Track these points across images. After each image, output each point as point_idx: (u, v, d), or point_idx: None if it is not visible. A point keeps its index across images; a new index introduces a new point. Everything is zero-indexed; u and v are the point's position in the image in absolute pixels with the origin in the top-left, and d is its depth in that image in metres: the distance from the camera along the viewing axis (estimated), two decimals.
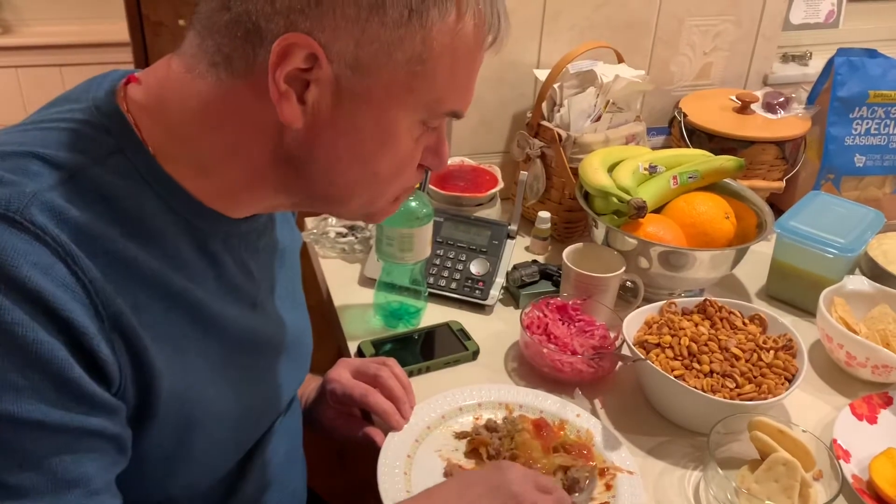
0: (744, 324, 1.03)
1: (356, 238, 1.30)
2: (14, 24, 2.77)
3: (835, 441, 0.93)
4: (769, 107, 1.45)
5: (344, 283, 1.24)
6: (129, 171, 0.60)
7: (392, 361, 0.95)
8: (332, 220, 1.34)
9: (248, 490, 0.80)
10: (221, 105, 0.60)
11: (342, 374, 0.93)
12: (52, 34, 2.73)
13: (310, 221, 1.34)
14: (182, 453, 0.67)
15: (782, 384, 0.95)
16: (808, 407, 1.03)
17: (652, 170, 1.23)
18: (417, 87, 0.61)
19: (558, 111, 1.32)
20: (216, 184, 0.64)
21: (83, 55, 2.70)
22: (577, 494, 0.84)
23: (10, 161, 0.56)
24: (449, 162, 1.38)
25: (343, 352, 1.12)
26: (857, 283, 1.14)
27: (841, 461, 0.89)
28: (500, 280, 1.19)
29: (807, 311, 1.20)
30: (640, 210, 1.14)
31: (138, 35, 1.42)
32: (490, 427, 0.92)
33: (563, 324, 1.08)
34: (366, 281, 1.23)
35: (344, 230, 1.31)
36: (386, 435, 0.90)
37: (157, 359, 0.60)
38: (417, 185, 1.06)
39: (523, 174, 1.28)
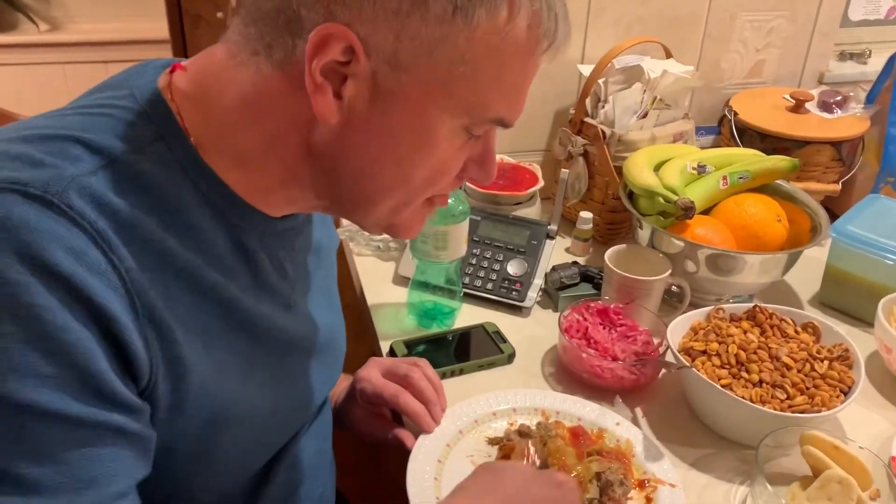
0: (796, 332, 0.98)
1: (400, 239, 1.28)
2: (63, 21, 2.83)
3: (893, 459, 0.88)
4: (825, 106, 1.39)
5: (378, 281, 1.22)
6: (169, 160, 0.59)
7: (423, 362, 0.92)
8: None
9: (275, 492, 0.78)
10: (260, 96, 0.59)
11: (372, 373, 0.91)
12: (98, 31, 2.78)
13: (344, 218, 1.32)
14: (210, 453, 0.65)
15: (837, 397, 0.90)
16: (864, 422, 0.97)
17: (700, 169, 1.19)
18: (458, 90, 0.58)
19: (603, 108, 1.28)
20: (253, 178, 0.63)
21: (127, 52, 2.74)
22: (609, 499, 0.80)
23: (51, 144, 0.55)
24: None
25: (376, 351, 1.10)
26: None
27: None
28: (538, 281, 1.15)
29: (863, 320, 1.15)
30: (688, 211, 1.10)
31: (178, 29, 1.42)
32: (523, 432, 0.88)
33: (603, 328, 1.04)
34: (400, 279, 1.20)
35: None
36: (416, 437, 0.87)
37: (190, 353, 0.58)
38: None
39: (564, 172, 1.24)
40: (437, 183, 0.65)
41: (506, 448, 0.86)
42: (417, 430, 0.88)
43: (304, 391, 0.78)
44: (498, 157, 1.35)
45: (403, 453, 0.86)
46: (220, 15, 1.23)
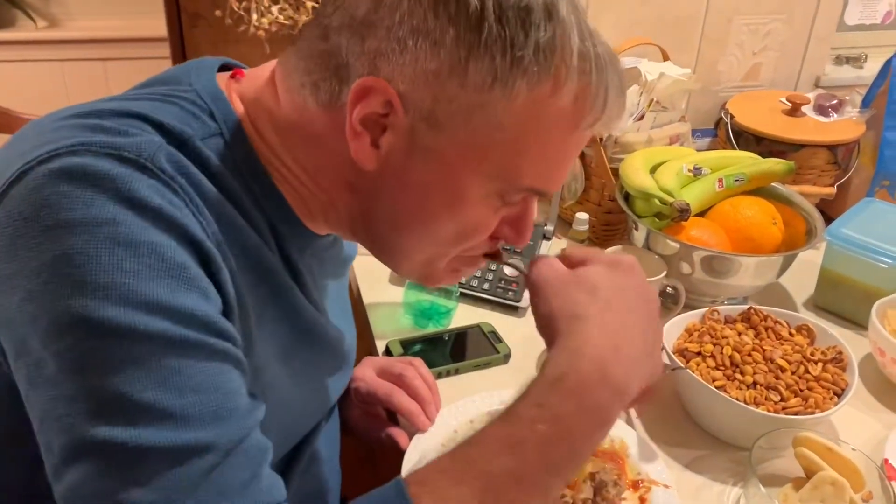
0: (790, 334, 0.99)
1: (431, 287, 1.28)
2: (61, 19, 2.82)
3: (886, 461, 0.88)
4: (821, 109, 1.40)
5: (374, 280, 1.22)
6: (227, 157, 0.60)
7: (418, 361, 0.92)
8: None
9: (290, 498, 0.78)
10: (306, 128, 0.61)
11: (367, 372, 0.91)
12: (97, 28, 2.77)
13: None
14: None
15: (830, 399, 0.90)
16: (857, 424, 0.97)
17: (696, 171, 1.19)
18: (494, 156, 0.58)
19: None
20: (300, 197, 0.64)
21: (126, 49, 2.73)
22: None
23: (126, 120, 0.56)
24: None
25: (372, 351, 1.10)
26: None
27: (893, 482, 0.84)
28: None
29: (857, 323, 1.15)
30: (683, 213, 1.10)
31: (176, 27, 1.42)
32: None
33: None
34: (396, 279, 1.21)
35: None
36: (411, 437, 0.87)
37: (253, 324, 0.60)
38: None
39: None
40: (466, 242, 0.64)
41: None
42: (412, 430, 0.88)
43: (323, 391, 0.79)
44: None
45: (398, 453, 0.86)
46: (218, 13, 1.23)
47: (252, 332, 0.60)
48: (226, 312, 0.56)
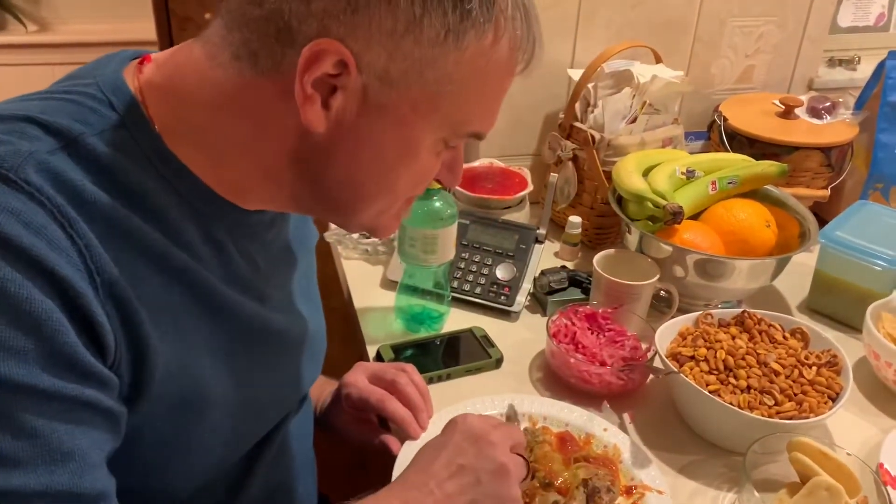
0: (784, 338, 0.98)
1: (379, 240, 1.27)
2: (51, 22, 2.81)
3: (881, 466, 0.87)
4: (814, 111, 1.39)
5: (366, 285, 1.21)
6: (132, 147, 0.58)
7: (410, 367, 0.91)
8: None
9: (255, 492, 0.78)
10: (239, 99, 0.59)
11: (359, 378, 0.90)
12: (87, 32, 2.77)
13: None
14: (182, 438, 0.64)
15: (825, 403, 0.89)
16: (852, 428, 0.97)
17: (690, 174, 1.18)
18: (444, 107, 0.60)
19: (592, 112, 1.28)
20: (226, 174, 0.63)
21: None
22: None
23: (8, 124, 0.55)
24: (477, 163, 1.35)
25: (363, 355, 1.09)
26: None
27: (889, 487, 0.83)
28: (526, 286, 1.15)
29: (852, 326, 1.14)
30: (676, 216, 1.09)
31: (165, 31, 1.41)
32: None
33: (591, 333, 1.03)
34: (388, 283, 1.20)
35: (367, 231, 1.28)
36: (402, 443, 0.86)
37: (153, 333, 0.58)
38: (443, 186, 1.03)
39: (553, 176, 1.23)
40: (416, 188, 0.68)
41: None
42: (404, 436, 0.87)
43: (283, 384, 0.78)
44: (488, 160, 1.36)
45: (389, 459, 0.85)
46: (208, 16, 1.22)
47: (153, 340, 0.58)
48: (91, 336, 0.53)
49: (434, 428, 0.88)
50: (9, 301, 0.48)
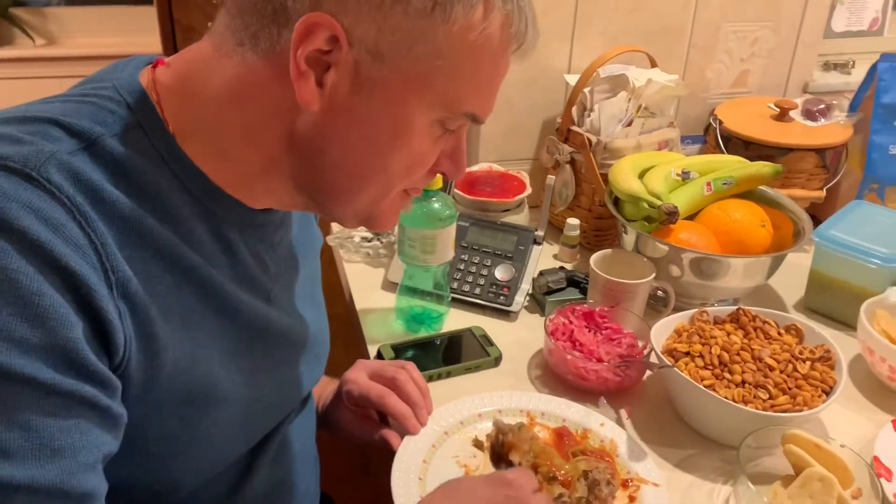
0: (779, 334, 0.99)
1: (381, 243, 1.29)
2: (58, 36, 2.85)
3: (876, 458, 0.88)
4: (809, 114, 1.41)
5: (367, 287, 1.22)
6: (147, 147, 0.60)
7: (410, 365, 0.93)
8: None
9: (258, 487, 0.79)
10: (244, 85, 0.61)
11: (359, 375, 0.92)
12: (94, 45, 2.80)
13: (335, 225, 1.33)
14: (188, 434, 0.66)
15: (819, 397, 0.90)
16: (847, 423, 0.98)
17: (685, 175, 1.20)
18: (436, 83, 0.61)
19: (588, 116, 1.30)
20: (234, 168, 0.64)
21: None
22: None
23: (31, 125, 0.57)
24: (476, 167, 1.36)
25: (364, 356, 1.10)
26: None
27: (882, 479, 0.84)
28: (525, 286, 1.16)
29: (847, 324, 1.15)
30: (672, 216, 1.11)
31: (170, 41, 1.44)
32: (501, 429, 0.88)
33: (589, 331, 1.05)
34: (389, 285, 1.21)
35: (369, 235, 1.30)
36: (402, 439, 0.87)
37: (164, 330, 0.59)
38: (441, 187, 1.05)
39: (550, 178, 1.25)
40: (413, 173, 0.67)
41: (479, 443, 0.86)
42: (404, 432, 0.88)
43: (287, 383, 0.79)
44: (487, 164, 1.38)
45: (390, 455, 0.86)
46: (211, 25, 1.25)
47: (163, 339, 0.59)
48: (101, 332, 0.54)
49: (432, 423, 0.90)
50: (19, 293, 0.50)
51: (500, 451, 0.85)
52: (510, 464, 0.84)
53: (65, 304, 0.52)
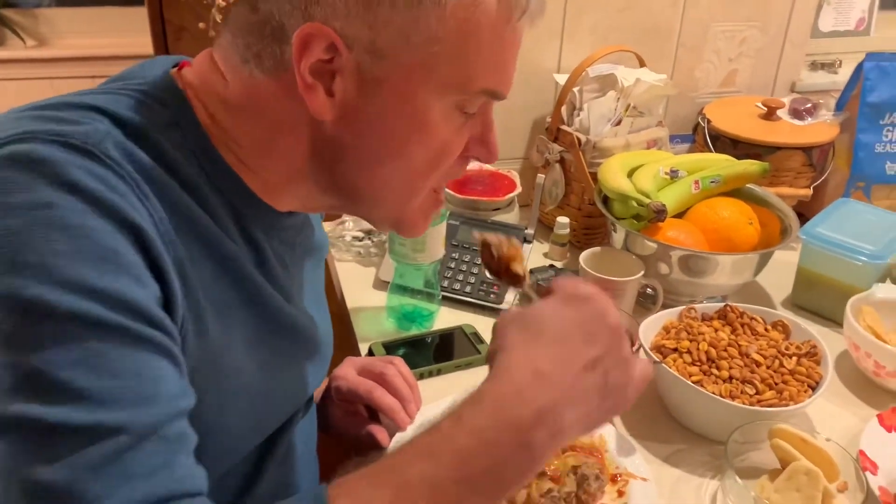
0: (766, 330, 1.00)
1: (372, 242, 1.30)
2: (49, 37, 2.84)
3: (861, 452, 0.89)
4: (796, 113, 1.42)
5: (358, 286, 1.23)
6: (183, 145, 0.61)
7: (398, 360, 0.93)
8: (349, 224, 1.33)
9: (265, 488, 0.78)
10: (253, 101, 0.62)
11: (348, 371, 0.92)
12: (85, 46, 2.79)
13: (326, 225, 1.34)
14: (207, 418, 0.64)
15: (805, 391, 0.91)
16: (833, 417, 0.99)
17: (673, 174, 1.21)
18: (439, 69, 0.60)
19: (578, 115, 1.30)
20: (258, 175, 0.65)
21: (114, 67, 2.71)
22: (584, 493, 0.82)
23: (79, 111, 0.58)
24: (467, 167, 1.37)
25: (355, 354, 1.10)
26: (887, 291, 1.09)
27: (867, 473, 0.85)
28: None
29: (834, 321, 1.16)
30: (660, 214, 1.12)
31: (161, 41, 1.44)
32: (490, 243, 0.82)
33: None
34: (380, 284, 1.22)
35: (360, 234, 1.31)
36: (392, 435, 0.88)
37: (207, 313, 0.60)
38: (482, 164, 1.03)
39: (541, 177, 1.26)
40: (439, 165, 0.65)
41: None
42: (394, 428, 0.88)
43: (296, 381, 0.80)
44: (477, 164, 1.38)
45: (379, 451, 0.87)
46: (202, 25, 1.24)
47: (207, 322, 0.60)
48: (167, 301, 0.56)
49: (422, 418, 0.90)
50: (98, 247, 0.51)
51: (500, 268, 0.75)
52: (515, 276, 0.75)
53: (141, 265, 0.53)
